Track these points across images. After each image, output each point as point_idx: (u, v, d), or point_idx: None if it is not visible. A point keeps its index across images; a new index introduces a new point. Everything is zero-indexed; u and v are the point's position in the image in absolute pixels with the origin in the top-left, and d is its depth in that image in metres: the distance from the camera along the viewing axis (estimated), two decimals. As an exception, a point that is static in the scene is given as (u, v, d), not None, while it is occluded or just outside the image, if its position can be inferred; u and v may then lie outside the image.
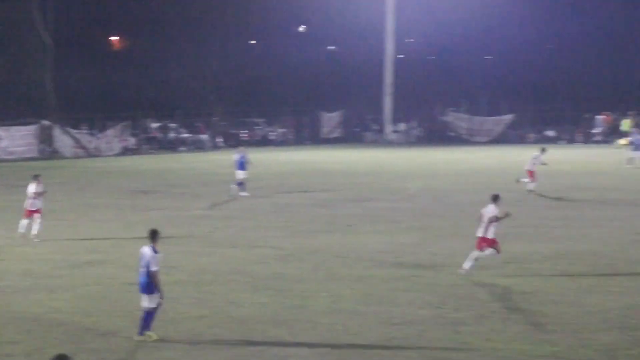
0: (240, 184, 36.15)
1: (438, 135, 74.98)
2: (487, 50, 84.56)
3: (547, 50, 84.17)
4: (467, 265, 19.97)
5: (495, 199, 20.35)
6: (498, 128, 76.12)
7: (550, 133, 75.76)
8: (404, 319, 16.24)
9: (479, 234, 20.11)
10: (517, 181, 35.57)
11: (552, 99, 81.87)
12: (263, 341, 15.07)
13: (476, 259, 20.02)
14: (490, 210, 20.09)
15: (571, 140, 74.26)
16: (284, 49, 74.82)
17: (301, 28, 70.59)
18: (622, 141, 63.19)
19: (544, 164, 36.46)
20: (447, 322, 16.06)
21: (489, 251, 20.06)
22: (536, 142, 74.06)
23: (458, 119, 77.08)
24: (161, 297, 15.30)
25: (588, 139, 73.51)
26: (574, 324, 15.58)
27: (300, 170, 47.59)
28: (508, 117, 77.27)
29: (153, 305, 15.47)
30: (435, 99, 79.82)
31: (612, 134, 72.57)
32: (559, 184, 38.56)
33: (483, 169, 47.08)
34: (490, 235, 20.04)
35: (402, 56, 78.81)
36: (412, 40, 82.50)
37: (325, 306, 17.32)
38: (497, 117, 77.39)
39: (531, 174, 35.83)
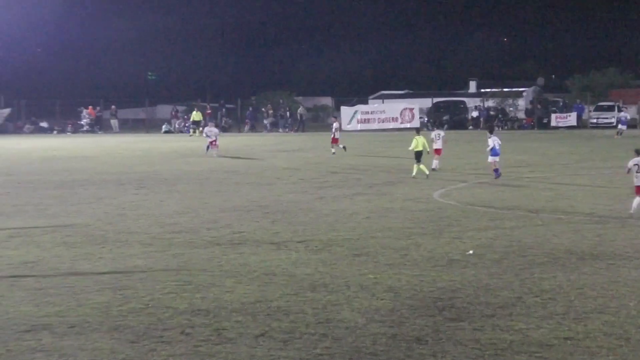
0: None
1: None
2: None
3: (38, 52, 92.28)
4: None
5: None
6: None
7: (44, 124, 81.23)
8: None
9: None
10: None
11: (45, 94, 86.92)
12: None
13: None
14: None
15: (63, 131, 79.55)
16: None
17: None
18: (192, 131, 74.08)
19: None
20: None
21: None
22: (32, 132, 77.37)
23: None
24: None
25: (77, 129, 79.44)
26: (74, 287, 15.99)
27: None
28: (6, 111, 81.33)
29: None
30: None
31: (97, 124, 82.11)
32: (55, 168, 40.46)
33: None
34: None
35: None
36: None
37: None
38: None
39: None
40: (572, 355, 11.52)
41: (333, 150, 46.98)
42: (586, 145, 56.16)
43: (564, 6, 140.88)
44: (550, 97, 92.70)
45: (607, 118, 79.66)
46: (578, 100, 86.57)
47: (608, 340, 12.07)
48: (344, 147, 46.99)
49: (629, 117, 68.33)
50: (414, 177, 34.47)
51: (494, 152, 34.53)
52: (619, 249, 18.80)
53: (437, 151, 37.81)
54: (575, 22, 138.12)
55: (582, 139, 63.46)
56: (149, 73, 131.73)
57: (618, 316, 13.25)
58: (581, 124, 79.81)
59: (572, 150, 50.63)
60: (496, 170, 34.32)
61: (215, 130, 50.27)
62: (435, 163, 37.28)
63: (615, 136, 61.18)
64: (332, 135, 47.41)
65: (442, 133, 38.73)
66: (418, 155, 35.19)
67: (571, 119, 79.24)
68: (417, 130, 37.80)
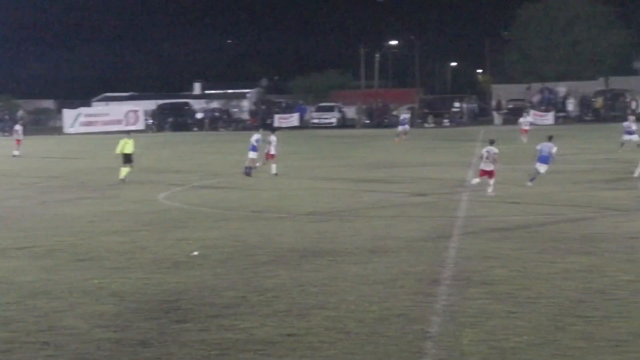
0: None
1: None
2: None
3: None
4: None
5: None
6: None
7: None
8: None
9: None
10: None
11: None
12: None
13: None
14: None
15: None
16: None
17: None
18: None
19: None
20: None
21: None
22: None
23: None
24: None
25: None
26: None
27: None
28: None
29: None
30: None
31: None
32: None
33: None
34: None
35: None
36: None
37: None
38: None
39: None
40: (295, 351, 11.83)
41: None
42: (308, 144, 57.79)
43: (285, 9, 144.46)
44: (274, 98, 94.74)
45: (327, 118, 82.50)
46: (300, 101, 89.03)
47: (329, 334, 12.49)
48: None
49: (409, 118, 66.83)
50: (121, 179, 34.02)
51: (252, 148, 35.78)
52: (339, 245, 19.50)
53: (271, 156, 36.48)
54: (296, 24, 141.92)
55: (304, 138, 65.26)
56: None
57: (339, 311, 13.74)
58: (303, 124, 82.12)
59: (296, 150, 51.91)
60: (248, 168, 35.00)
61: None
62: (273, 167, 36.02)
63: (396, 139, 59.27)
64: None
65: (274, 138, 37.43)
66: (126, 158, 34.64)
67: (294, 119, 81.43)
68: (129, 133, 36.99)
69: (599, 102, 79.66)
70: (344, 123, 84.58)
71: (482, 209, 25.02)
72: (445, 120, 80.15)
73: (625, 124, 46.08)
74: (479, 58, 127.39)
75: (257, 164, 36.44)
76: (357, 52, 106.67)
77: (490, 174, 27.96)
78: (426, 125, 79.45)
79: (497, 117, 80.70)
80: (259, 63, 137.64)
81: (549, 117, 75.47)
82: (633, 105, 77.55)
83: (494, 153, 28.06)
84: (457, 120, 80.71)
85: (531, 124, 55.72)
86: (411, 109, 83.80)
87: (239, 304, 14.25)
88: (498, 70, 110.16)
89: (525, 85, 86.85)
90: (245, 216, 24.65)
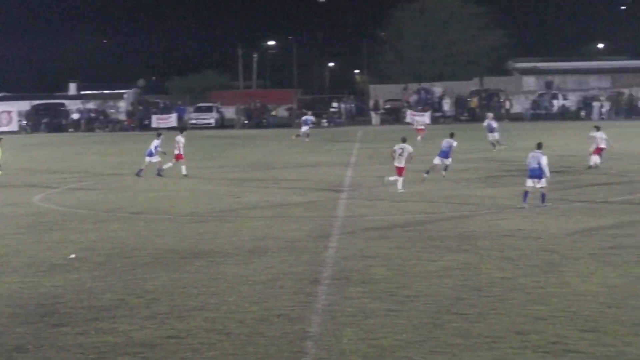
0: None
1: None
2: None
3: None
4: None
5: None
6: None
7: None
8: None
9: None
10: None
11: None
12: None
13: None
14: None
15: None
16: None
17: None
18: None
19: None
20: None
21: None
22: None
23: None
24: None
25: None
26: None
27: None
28: None
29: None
30: None
31: None
32: None
33: None
34: None
35: None
36: None
37: None
38: None
39: None
40: (175, 353, 11.74)
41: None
42: (187, 145, 57.30)
43: (162, 9, 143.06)
44: (151, 98, 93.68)
45: (206, 119, 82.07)
46: (179, 102, 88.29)
47: (210, 336, 12.44)
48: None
49: (313, 120, 65.18)
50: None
51: (149, 153, 35.75)
52: (219, 246, 19.43)
53: (179, 157, 36.12)
54: (174, 24, 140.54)
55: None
56: None
57: (219, 312, 13.69)
58: (182, 125, 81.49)
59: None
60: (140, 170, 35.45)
61: None
62: (183, 168, 35.60)
63: (294, 137, 58.41)
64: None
65: (181, 139, 36.57)
66: None
67: (172, 119, 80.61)
68: None
69: (474, 101, 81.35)
70: (223, 123, 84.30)
71: (362, 208, 25.28)
72: (324, 121, 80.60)
73: (486, 122, 47.25)
74: (357, 58, 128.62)
75: (170, 164, 35.96)
76: (235, 53, 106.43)
77: (400, 170, 28.77)
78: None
79: (374, 117, 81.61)
80: (136, 63, 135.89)
81: (426, 117, 76.75)
82: (507, 104, 79.54)
83: (410, 152, 29.07)
84: (336, 121, 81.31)
85: (427, 123, 55.29)
86: (289, 110, 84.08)
87: (118, 307, 14.06)
88: (375, 70, 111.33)
89: (402, 86, 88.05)
90: (123, 217, 24.32)
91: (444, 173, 32.55)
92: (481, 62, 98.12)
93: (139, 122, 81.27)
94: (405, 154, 28.97)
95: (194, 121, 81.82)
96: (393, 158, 29.23)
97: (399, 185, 28.73)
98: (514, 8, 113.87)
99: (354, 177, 33.99)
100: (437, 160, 32.51)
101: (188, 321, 13.21)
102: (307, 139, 57.22)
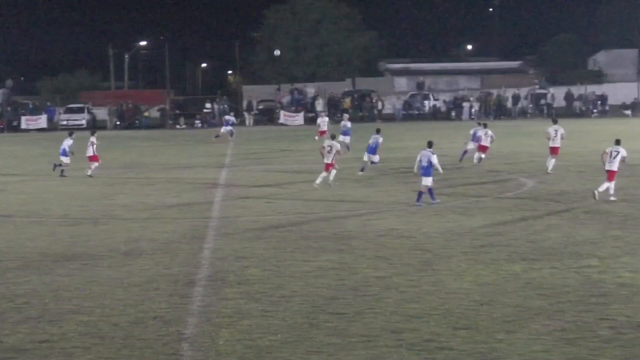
0: None
1: None
2: None
3: None
4: None
5: None
6: None
7: None
8: None
9: None
10: None
11: None
12: None
13: None
14: None
15: None
16: None
17: None
18: None
19: None
20: None
21: None
22: None
23: None
24: None
25: None
26: None
27: None
28: None
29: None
30: None
31: None
32: None
33: None
34: None
35: None
36: None
37: None
38: None
39: None
40: (48, 357, 11.53)
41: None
42: (57, 146, 56.16)
43: (28, 7, 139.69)
44: (20, 99, 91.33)
45: (77, 120, 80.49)
46: (49, 103, 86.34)
47: (84, 340, 12.26)
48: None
49: (234, 121, 63.02)
50: None
51: (63, 152, 36.20)
52: (93, 249, 19.14)
53: (94, 158, 35.54)
54: (42, 23, 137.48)
55: (53, 140, 63.36)
56: None
57: (93, 315, 13.51)
58: (52, 126, 79.72)
59: (44, 152, 50.38)
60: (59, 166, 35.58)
61: None
62: (91, 169, 35.36)
63: (214, 139, 55.63)
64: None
65: (94, 140, 35.80)
66: None
67: (42, 121, 78.81)
68: None
69: (346, 102, 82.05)
70: (95, 124, 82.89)
71: (236, 209, 25.27)
72: (197, 122, 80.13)
73: (342, 123, 45.63)
74: (230, 59, 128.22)
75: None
76: (106, 53, 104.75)
77: (328, 166, 29.45)
78: (178, 126, 79.12)
79: (248, 118, 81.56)
80: (4, 63, 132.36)
81: (299, 118, 77.04)
82: (379, 105, 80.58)
83: (337, 149, 29.62)
84: (209, 122, 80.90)
85: (328, 124, 53.10)
86: (162, 110, 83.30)
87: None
88: (248, 71, 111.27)
89: (275, 86, 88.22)
90: (-9, 221, 23.70)
91: (360, 173, 33.17)
92: (353, 63, 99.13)
93: (7, 124, 79.16)
94: (334, 151, 29.45)
95: (64, 122, 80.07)
96: (322, 155, 29.77)
97: (318, 180, 29.39)
98: (385, 9, 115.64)
99: (228, 178, 33.93)
100: (365, 157, 33.61)
101: (61, 325, 12.99)
102: (230, 138, 55.94)
